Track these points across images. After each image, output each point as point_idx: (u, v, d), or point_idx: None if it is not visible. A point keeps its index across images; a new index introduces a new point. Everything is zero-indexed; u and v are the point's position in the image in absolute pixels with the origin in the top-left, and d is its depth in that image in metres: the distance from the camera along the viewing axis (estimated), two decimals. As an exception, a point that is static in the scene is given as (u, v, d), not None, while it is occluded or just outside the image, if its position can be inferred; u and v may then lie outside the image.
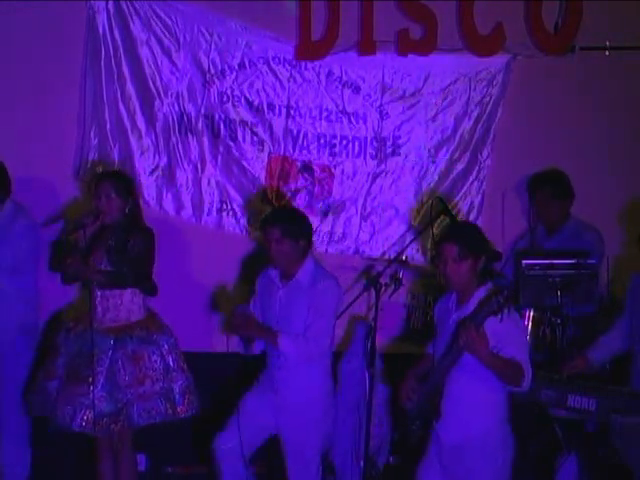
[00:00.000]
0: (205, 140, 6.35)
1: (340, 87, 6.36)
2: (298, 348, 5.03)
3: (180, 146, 6.35)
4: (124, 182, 5.41)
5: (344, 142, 6.41)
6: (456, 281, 4.56)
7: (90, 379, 5.13)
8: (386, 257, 6.27)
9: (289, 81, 6.35)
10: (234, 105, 6.34)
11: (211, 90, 6.32)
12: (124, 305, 5.29)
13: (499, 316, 4.29)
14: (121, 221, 5.31)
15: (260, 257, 5.71)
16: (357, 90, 6.36)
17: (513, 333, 4.44)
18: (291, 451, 5.13)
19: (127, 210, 5.31)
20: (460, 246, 4.53)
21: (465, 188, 6.42)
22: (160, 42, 6.25)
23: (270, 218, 5.21)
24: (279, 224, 5.09)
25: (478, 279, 4.55)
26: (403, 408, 4.73)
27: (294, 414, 5.10)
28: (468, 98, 6.35)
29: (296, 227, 5.11)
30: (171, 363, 5.29)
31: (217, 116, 6.33)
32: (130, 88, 6.28)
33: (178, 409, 5.26)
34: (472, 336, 4.28)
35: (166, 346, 5.30)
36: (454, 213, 6.16)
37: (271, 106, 6.37)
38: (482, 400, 4.49)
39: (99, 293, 5.29)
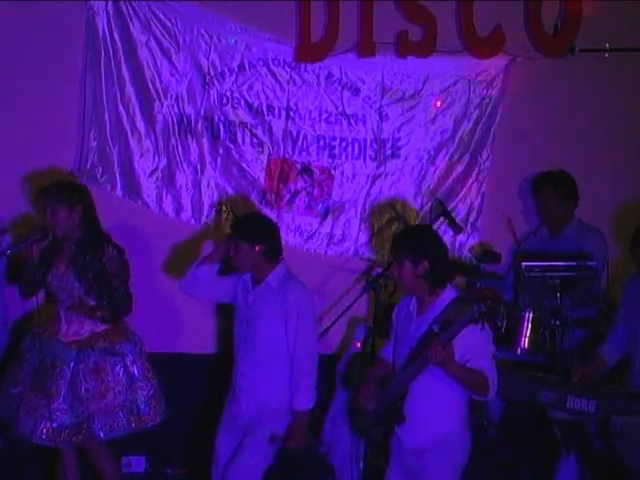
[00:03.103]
0: (205, 142, 6.35)
1: (339, 89, 6.35)
2: (309, 377, 5.02)
3: (180, 148, 6.34)
4: (65, 192, 5.20)
5: (343, 144, 6.40)
6: (400, 283, 4.60)
7: (51, 391, 5.09)
8: (385, 258, 6.26)
9: (289, 83, 6.35)
10: (234, 107, 6.33)
11: (211, 92, 6.32)
12: (87, 319, 5.21)
13: (480, 324, 4.28)
14: (79, 238, 5.18)
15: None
16: (357, 92, 6.36)
17: (482, 344, 4.44)
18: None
19: (77, 219, 5.16)
20: (393, 249, 4.59)
21: (465, 190, 6.41)
22: (160, 44, 6.25)
23: (232, 224, 5.36)
24: (237, 229, 5.17)
25: (429, 284, 4.52)
26: (361, 410, 4.73)
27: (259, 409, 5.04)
28: (468, 100, 6.35)
29: (252, 232, 5.09)
30: (136, 373, 5.21)
31: (217, 118, 6.33)
32: (130, 90, 6.27)
33: (143, 418, 5.19)
34: (439, 353, 4.30)
35: (130, 356, 5.22)
36: (453, 215, 6.16)
37: (270, 108, 6.36)
38: (445, 400, 4.50)
39: (62, 307, 5.24)
